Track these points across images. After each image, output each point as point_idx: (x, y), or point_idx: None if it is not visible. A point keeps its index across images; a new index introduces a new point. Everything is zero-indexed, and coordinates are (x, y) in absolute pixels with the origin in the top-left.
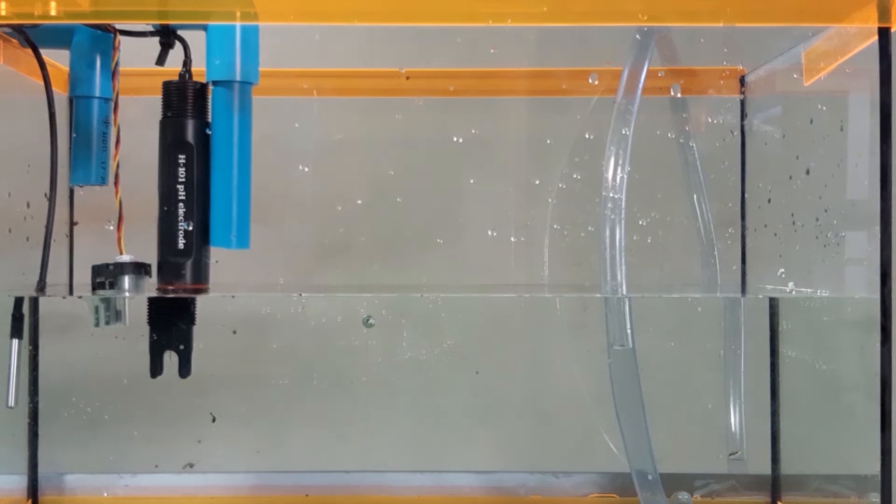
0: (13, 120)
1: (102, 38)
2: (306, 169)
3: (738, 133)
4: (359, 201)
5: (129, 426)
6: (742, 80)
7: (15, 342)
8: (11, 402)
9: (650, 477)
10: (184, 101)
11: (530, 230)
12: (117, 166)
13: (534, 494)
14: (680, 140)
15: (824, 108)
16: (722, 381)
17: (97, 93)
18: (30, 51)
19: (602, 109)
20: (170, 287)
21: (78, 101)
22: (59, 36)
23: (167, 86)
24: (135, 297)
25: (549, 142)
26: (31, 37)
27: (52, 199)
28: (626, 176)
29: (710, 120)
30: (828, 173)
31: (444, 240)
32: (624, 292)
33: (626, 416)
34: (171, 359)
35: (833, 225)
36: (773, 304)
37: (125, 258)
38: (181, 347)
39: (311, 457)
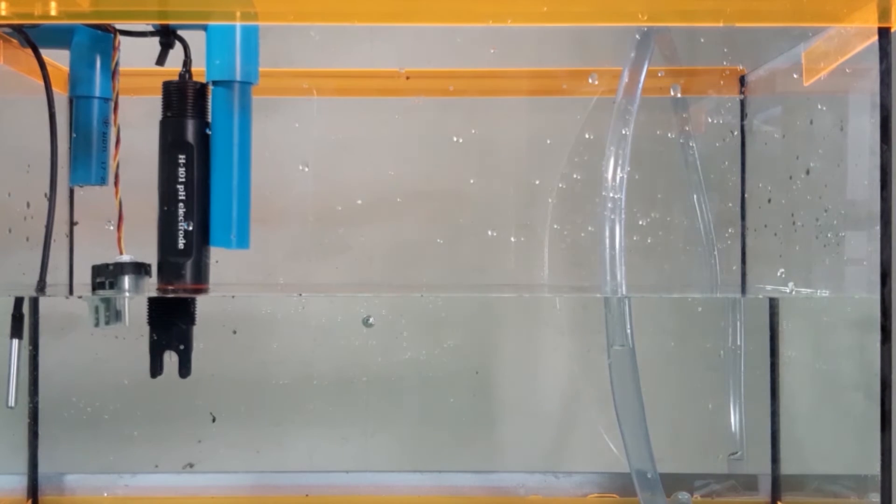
0: (13, 120)
1: (102, 38)
2: (306, 169)
3: (738, 133)
4: (359, 201)
5: (129, 426)
6: (742, 80)
7: (15, 342)
8: (11, 402)
9: (650, 476)
10: (184, 101)
11: (530, 230)
12: (117, 166)
13: (534, 494)
14: (680, 140)
15: (824, 108)
16: (722, 381)
17: (97, 93)
18: (30, 51)
19: (602, 109)
20: (170, 287)
21: (78, 101)
22: (59, 36)
23: (167, 86)
24: (135, 297)
25: (549, 142)
26: (31, 37)
27: (52, 199)
28: (625, 176)
29: (710, 120)
30: (828, 173)
31: (444, 240)
32: (624, 292)
33: (626, 416)
34: (171, 359)
35: (833, 225)
36: (773, 304)
37: (125, 258)
38: (181, 347)
39: (310, 457)
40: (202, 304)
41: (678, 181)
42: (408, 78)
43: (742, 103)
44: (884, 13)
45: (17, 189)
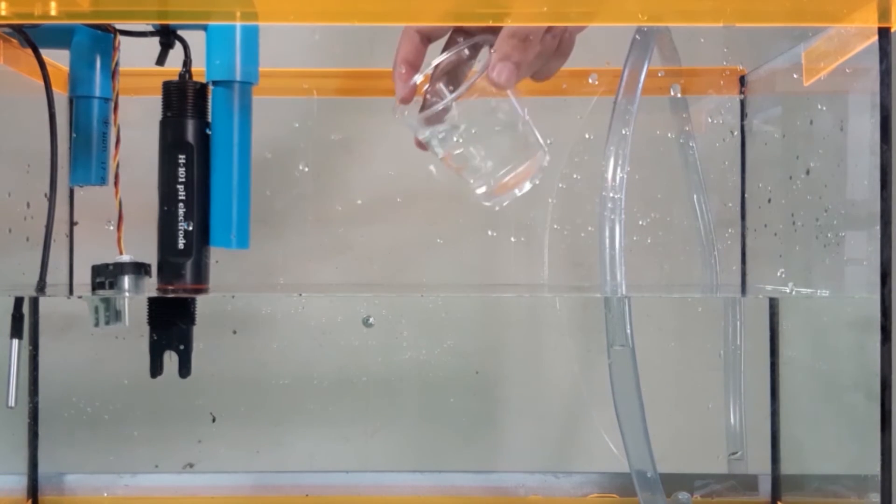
0: (13, 120)
1: (102, 38)
2: (306, 169)
3: (738, 133)
4: (359, 201)
5: (129, 426)
6: (742, 80)
7: (15, 342)
8: (11, 402)
9: (650, 476)
10: (184, 101)
11: (530, 230)
12: (117, 166)
13: (534, 494)
14: (680, 140)
15: (824, 108)
16: (722, 381)
17: (97, 93)
18: (30, 51)
19: (602, 109)
20: (170, 287)
21: (78, 101)
22: (59, 36)
23: (167, 86)
24: (135, 297)
25: (549, 142)
26: (31, 37)
27: (52, 199)
28: (625, 176)
29: (710, 120)
30: (828, 173)
31: (444, 240)
32: (624, 292)
33: (626, 416)
34: (171, 359)
35: (833, 225)
36: (773, 304)
37: (125, 258)
38: (181, 347)
39: (310, 457)
40: (202, 304)
41: (678, 181)
42: None
43: (742, 103)
44: (884, 13)
45: (17, 189)
